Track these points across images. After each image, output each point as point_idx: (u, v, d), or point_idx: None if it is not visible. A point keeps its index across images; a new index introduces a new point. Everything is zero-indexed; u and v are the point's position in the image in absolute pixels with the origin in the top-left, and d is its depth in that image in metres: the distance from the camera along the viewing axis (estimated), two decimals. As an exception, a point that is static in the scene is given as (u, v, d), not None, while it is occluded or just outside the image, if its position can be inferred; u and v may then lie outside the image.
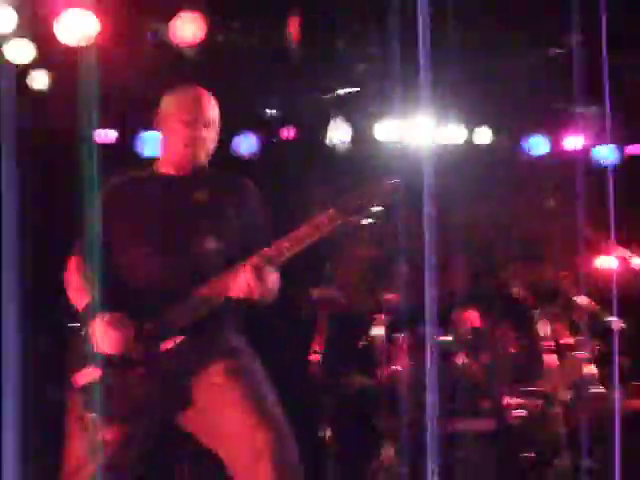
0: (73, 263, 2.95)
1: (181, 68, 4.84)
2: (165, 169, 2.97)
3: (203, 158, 2.93)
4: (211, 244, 2.82)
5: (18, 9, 4.42)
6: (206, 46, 4.59)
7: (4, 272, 4.23)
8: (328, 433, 4.69)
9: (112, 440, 2.74)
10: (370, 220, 2.72)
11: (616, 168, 6.24)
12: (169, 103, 2.95)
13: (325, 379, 4.67)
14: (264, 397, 2.76)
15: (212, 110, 2.93)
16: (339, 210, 2.69)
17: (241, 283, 2.69)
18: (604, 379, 4.69)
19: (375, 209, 2.69)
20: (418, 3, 4.33)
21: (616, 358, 4.45)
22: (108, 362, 2.73)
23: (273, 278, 2.79)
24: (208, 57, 4.68)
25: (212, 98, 2.95)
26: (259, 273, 2.69)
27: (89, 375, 2.76)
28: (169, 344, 2.73)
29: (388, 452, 4.60)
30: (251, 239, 2.87)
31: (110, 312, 2.73)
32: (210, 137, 2.93)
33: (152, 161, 3.06)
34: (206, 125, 2.89)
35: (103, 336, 2.72)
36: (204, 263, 2.80)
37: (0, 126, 4.33)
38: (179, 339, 2.73)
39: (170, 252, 2.80)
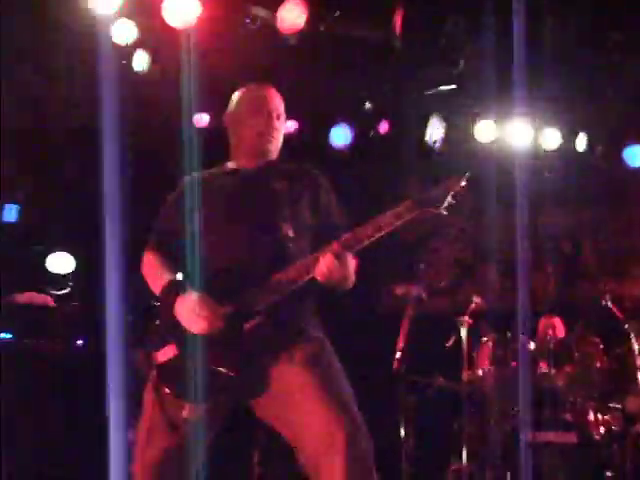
0: (150, 246, 3.03)
1: (280, 55, 4.84)
2: (238, 162, 3.06)
3: (275, 149, 3.03)
4: (287, 230, 2.86)
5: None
6: (308, 34, 4.57)
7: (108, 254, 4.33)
8: (404, 432, 4.65)
9: (188, 418, 2.77)
10: (446, 213, 2.76)
11: None
12: (241, 98, 3.07)
13: (407, 377, 4.63)
14: (340, 389, 2.75)
15: (280, 104, 3.05)
16: (416, 201, 2.75)
17: (321, 267, 2.72)
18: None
19: (450, 202, 2.75)
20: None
21: None
22: (187, 341, 2.76)
23: (352, 264, 2.82)
24: (310, 45, 4.67)
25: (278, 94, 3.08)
26: (339, 258, 2.72)
27: (168, 353, 2.80)
28: (250, 324, 2.74)
29: (465, 456, 4.54)
30: (326, 227, 2.93)
31: (196, 292, 2.77)
32: (280, 129, 3.03)
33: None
34: (277, 117, 3.01)
35: (191, 315, 2.75)
36: (281, 249, 2.84)
37: (103, 107, 4.41)
38: (258, 321, 2.74)
39: (248, 239, 2.85)
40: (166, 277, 2.88)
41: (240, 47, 4.73)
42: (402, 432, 4.65)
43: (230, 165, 3.08)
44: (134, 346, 4.56)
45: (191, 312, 2.75)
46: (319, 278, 2.73)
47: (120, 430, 3.86)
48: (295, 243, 2.86)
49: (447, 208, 2.76)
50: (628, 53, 5.31)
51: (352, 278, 2.86)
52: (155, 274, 2.95)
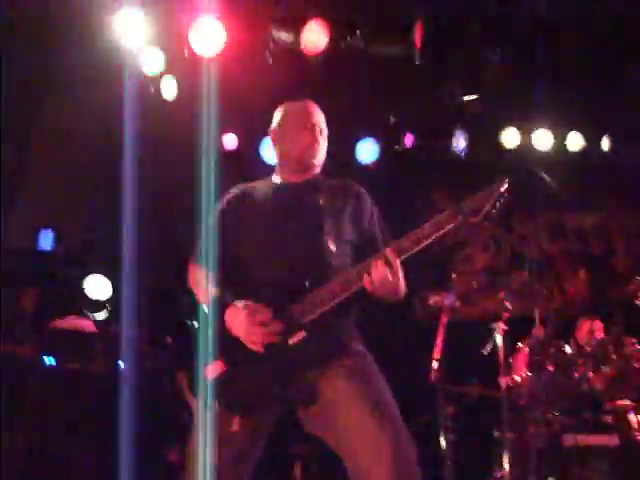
0: (196, 259, 3.06)
1: (304, 75, 4.93)
2: (283, 176, 3.11)
3: (319, 162, 3.08)
4: (330, 245, 2.90)
5: (151, 20, 4.59)
6: (331, 54, 4.65)
7: (126, 274, 4.41)
8: (445, 441, 4.67)
9: (238, 432, 2.82)
10: (487, 222, 2.74)
11: None
12: (284, 114, 3.12)
13: (445, 387, 4.65)
14: (384, 399, 2.80)
15: (322, 118, 3.10)
16: (457, 211, 2.74)
17: (372, 276, 2.73)
18: None
19: (491, 210, 2.72)
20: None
21: None
22: (236, 355, 2.81)
23: (402, 273, 2.82)
24: (332, 65, 4.75)
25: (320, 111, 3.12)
26: (390, 266, 2.73)
27: (218, 368, 2.85)
28: (295, 339, 2.79)
29: (506, 463, 4.53)
30: (368, 242, 2.98)
31: (247, 302, 2.81)
32: (323, 143, 3.08)
33: (271, 170, 3.20)
34: (320, 131, 3.06)
35: (246, 325, 2.80)
36: (324, 264, 2.88)
37: (126, 132, 4.51)
38: (304, 334, 2.79)
39: (292, 253, 2.89)
40: (214, 291, 2.92)
41: (265, 70, 4.82)
42: (443, 441, 4.67)
43: (275, 179, 3.13)
44: (177, 366, 4.65)
45: (245, 322, 2.80)
46: (369, 288, 2.75)
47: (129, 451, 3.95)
48: (337, 258, 2.91)
49: (487, 216, 2.73)
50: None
51: (403, 288, 2.85)
52: (203, 287, 2.98)
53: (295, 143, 3.04)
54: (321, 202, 2.98)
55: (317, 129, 3.04)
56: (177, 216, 4.86)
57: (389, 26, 4.74)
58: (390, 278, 2.73)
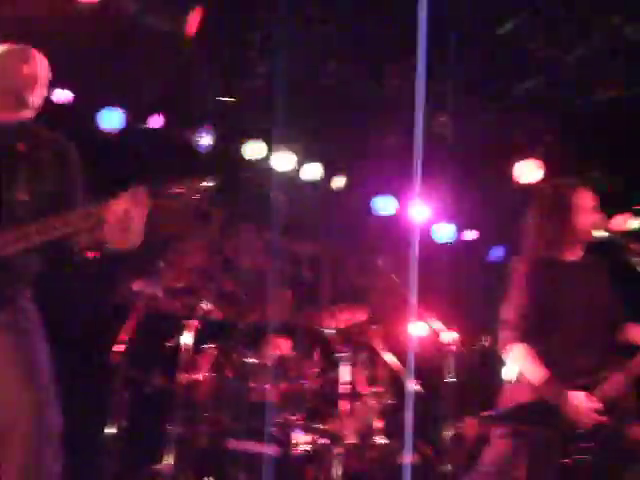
0: None
1: (73, 23, 4.69)
2: None
3: (34, 106, 3.00)
4: (21, 194, 2.82)
5: None
6: (105, 14, 4.46)
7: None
8: (115, 428, 4.58)
9: None
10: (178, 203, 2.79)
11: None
12: (9, 48, 3.03)
13: (125, 371, 4.59)
14: (38, 364, 2.75)
15: (43, 68, 3.04)
16: (157, 192, 2.74)
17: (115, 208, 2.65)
18: (389, 432, 4.92)
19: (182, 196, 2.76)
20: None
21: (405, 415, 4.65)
22: None
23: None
24: (105, 26, 4.54)
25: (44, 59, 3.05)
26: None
27: None
28: None
29: (171, 458, 4.56)
30: (63, 198, 2.90)
31: None
32: (43, 88, 3.02)
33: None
34: (43, 76, 3.01)
35: None
36: (10, 211, 2.78)
37: None
38: None
39: None
40: None
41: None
42: (112, 427, 4.58)
43: None
44: None
45: None
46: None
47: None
48: (28, 208, 2.81)
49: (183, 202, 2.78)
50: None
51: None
52: None
53: (14, 78, 2.95)
54: (22, 149, 2.88)
55: (41, 72, 2.99)
56: None
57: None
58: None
